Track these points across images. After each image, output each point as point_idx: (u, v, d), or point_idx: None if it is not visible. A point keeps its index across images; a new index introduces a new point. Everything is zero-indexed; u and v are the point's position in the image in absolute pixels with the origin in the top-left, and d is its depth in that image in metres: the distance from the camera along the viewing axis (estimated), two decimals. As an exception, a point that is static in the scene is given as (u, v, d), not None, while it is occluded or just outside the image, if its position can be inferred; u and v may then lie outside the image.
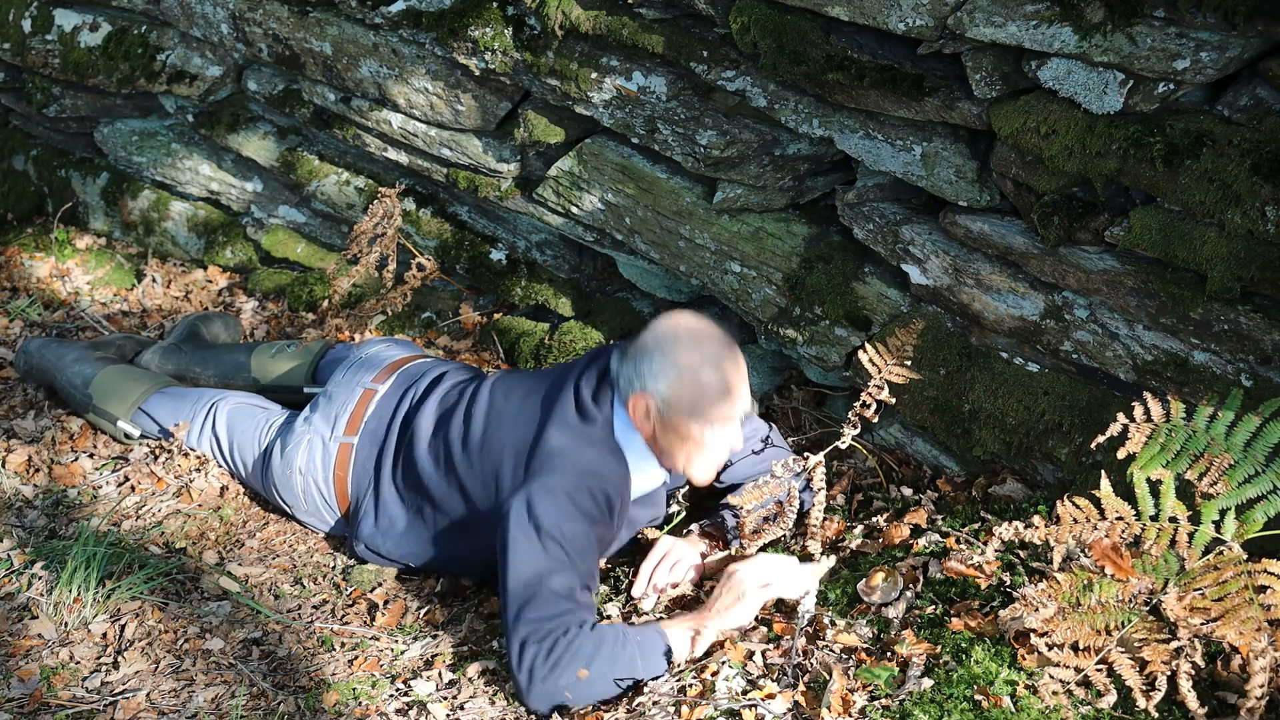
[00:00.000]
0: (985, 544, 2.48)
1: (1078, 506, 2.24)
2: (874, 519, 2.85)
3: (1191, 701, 2.12)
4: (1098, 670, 2.18)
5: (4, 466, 3.34)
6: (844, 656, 2.42)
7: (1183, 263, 2.49)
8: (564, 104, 3.39)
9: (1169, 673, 2.14)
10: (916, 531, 2.77)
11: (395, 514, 2.91)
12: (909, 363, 2.76)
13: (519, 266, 3.87)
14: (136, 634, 2.79)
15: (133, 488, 3.29)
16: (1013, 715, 2.18)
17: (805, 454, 2.74)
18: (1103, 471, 2.30)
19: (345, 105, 3.87)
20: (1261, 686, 2.06)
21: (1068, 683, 2.19)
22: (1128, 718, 2.17)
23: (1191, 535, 2.17)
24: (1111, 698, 2.16)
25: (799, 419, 3.37)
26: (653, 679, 2.46)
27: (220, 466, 3.33)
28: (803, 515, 2.82)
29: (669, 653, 2.48)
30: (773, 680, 2.39)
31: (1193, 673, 2.13)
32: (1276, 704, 2.11)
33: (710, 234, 3.29)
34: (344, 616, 2.90)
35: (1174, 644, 2.16)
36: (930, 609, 2.49)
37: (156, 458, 3.37)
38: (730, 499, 2.79)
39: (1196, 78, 2.37)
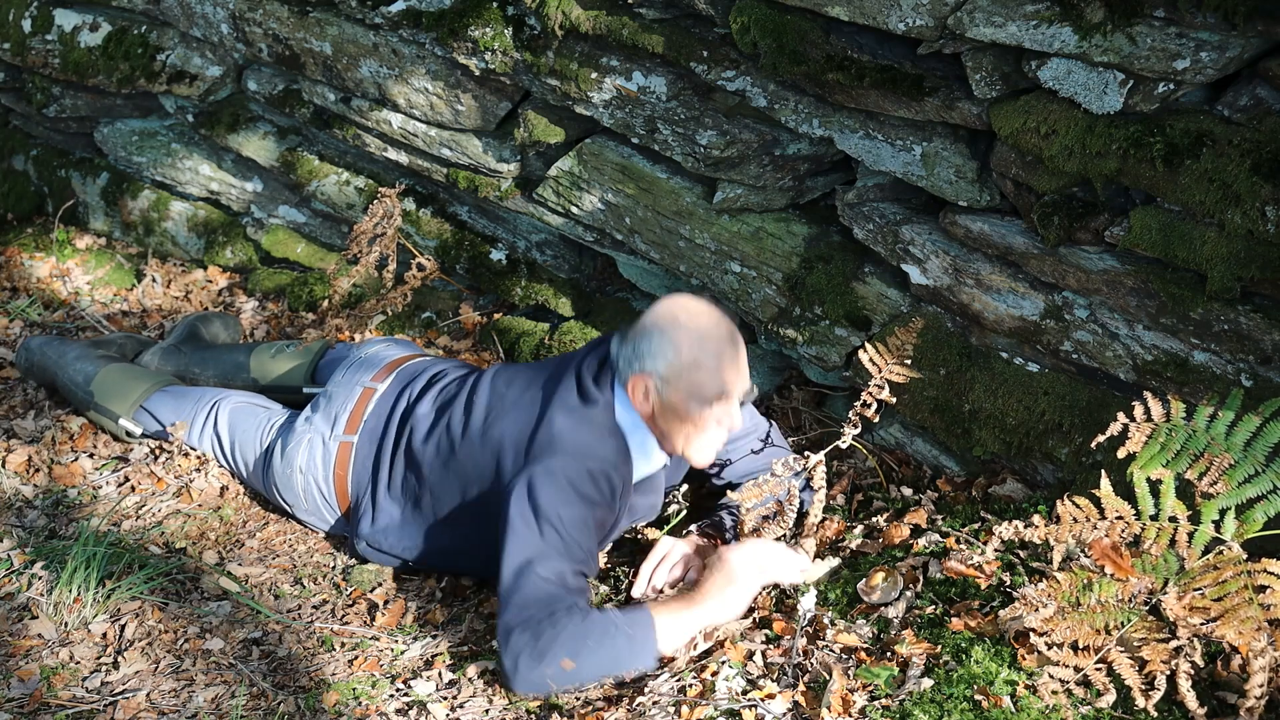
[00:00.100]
0: (985, 544, 2.47)
1: (1078, 506, 2.24)
2: (874, 519, 2.85)
3: (1191, 701, 2.12)
4: (1097, 670, 2.18)
5: (4, 466, 3.34)
6: (844, 656, 2.42)
7: (1183, 263, 2.49)
8: (564, 104, 3.39)
9: (1168, 672, 2.14)
10: (916, 531, 2.77)
11: (394, 508, 2.91)
12: (909, 362, 2.76)
13: (519, 266, 3.87)
14: (136, 634, 2.79)
15: (133, 488, 3.29)
16: (1013, 715, 2.18)
17: (805, 453, 2.74)
18: (1103, 471, 2.30)
19: (345, 105, 3.87)
20: (1261, 686, 2.06)
21: (1067, 682, 2.19)
22: (1127, 717, 2.17)
23: (1191, 535, 2.17)
24: (1111, 697, 2.16)
25: (799, 419, 3.36)
26: (640, 668, 2.46)
27: (221, 466, 3.33)
28: (802, 515, 2.82)
29: (659, 642, 2.48)
30: (773, 680, 2.39)
31: (1192, 672, 2.13)
32: (1276, 704, 2.11)
33: (710, 234, 3.29)
34: (344, 616, 2.90)
35: (1173, 643, 2.16)
36: (930, 609, 2.49)
37: (156, 458, 3.37)
38: (730, 496, 2.79)
39: (1196, 78, 2.37)
